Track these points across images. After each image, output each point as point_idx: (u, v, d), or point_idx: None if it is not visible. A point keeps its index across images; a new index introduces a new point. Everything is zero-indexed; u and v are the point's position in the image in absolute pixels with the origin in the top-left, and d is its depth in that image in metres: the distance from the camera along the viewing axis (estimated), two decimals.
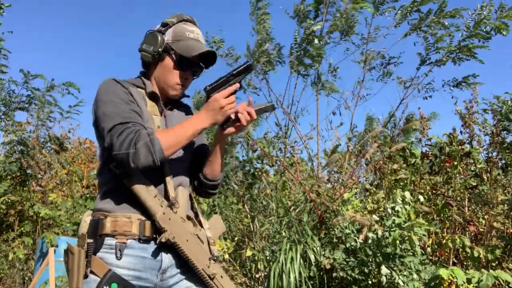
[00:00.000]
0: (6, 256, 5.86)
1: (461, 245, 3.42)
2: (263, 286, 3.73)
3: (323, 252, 3.32)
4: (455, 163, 3.98)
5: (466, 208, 3.94)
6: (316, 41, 5.27)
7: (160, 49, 1.42)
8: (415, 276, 3.12)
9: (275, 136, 4.92)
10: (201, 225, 1.43)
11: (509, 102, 5.33)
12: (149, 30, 1.47)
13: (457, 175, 3.99)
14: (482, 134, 4.49)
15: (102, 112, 1.32)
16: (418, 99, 6.02)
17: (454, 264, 3.70)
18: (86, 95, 11.36)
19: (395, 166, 3.86)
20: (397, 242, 3.12)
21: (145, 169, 1.27)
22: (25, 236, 6.13)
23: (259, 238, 4.06)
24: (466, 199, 3.98)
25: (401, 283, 3.06)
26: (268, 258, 3.78)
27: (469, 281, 2.72)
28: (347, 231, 3.38)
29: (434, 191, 4.02)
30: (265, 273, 3.82)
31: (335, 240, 3.53)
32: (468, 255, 3.52)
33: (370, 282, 3.23)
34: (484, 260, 3.53)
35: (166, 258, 1.35)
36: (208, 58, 1.49)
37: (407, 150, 4.30)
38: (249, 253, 3.93)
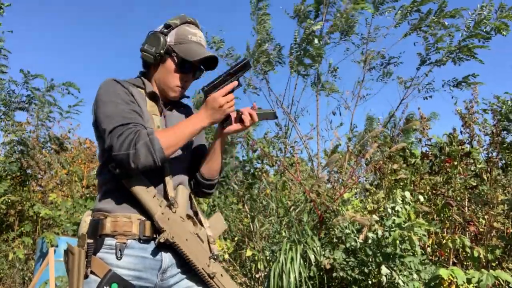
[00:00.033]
0: (6, 256, 5.86)
1: (461, 245, 3.42)
2: (263, 286, 3.73)
3: (323, 252, 3.32)
4: (455, 163, 3.98)
5: (466, 208, 3.94)
6: (316, 41, 5.27)
7: (162, 51, 1.42)
8: (415, 276, 3.12)
9: (275, 136, 4.92)
10: (201, 224, 1.43)
11: (509, 102, 5.32)
12: (152, 31, 1.47)
13: (457, 175, 3.99)
14: (482, 134, 4.49)
15: (102, 113, 1.32)
16: (418, 99, 6.02)
17: (454, 264, 3.70)
18: (86, 95, 11.36)
19: (395, 166, 3.85)
20: (397, 242, 3.12)
21: (146, 169, 1.27)
22: (25, 236, 6.13)
23: (259, 238, 4.05)
24: (466, 199, 3.98)
25: (401, 283, 3.06)
26: (268, 258, 3.78)
27: (469, 281, 2.72)
28: (347, 231, 3.37)
29: (434, 191, 4.02)
30: (265, 273, 3.82)
31: (335, 240, 3.53)
32: (468, 255, 3.52)
33: (370, 282, 3.23)
34: (484, 260, 3.53)
35: (167, 258, 1.34)
36: (209, 62, 1.50)
37: (407, 150, 4.30)
38: (249, 253, 3.92)
